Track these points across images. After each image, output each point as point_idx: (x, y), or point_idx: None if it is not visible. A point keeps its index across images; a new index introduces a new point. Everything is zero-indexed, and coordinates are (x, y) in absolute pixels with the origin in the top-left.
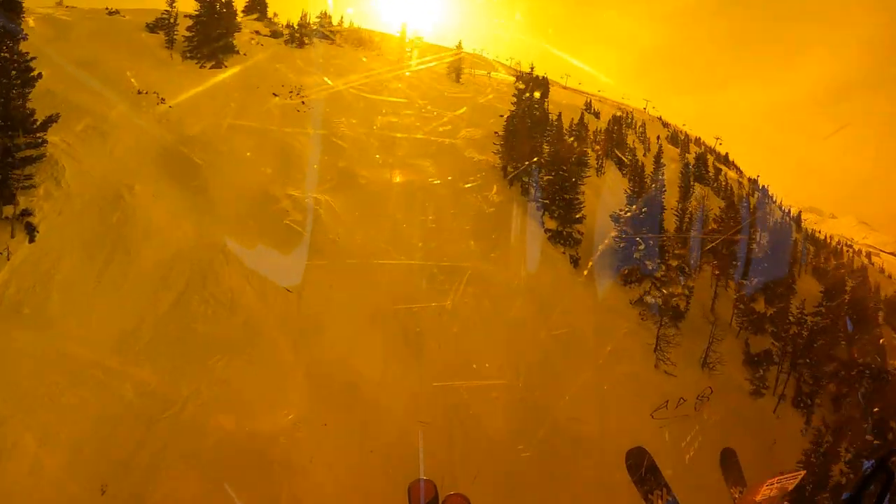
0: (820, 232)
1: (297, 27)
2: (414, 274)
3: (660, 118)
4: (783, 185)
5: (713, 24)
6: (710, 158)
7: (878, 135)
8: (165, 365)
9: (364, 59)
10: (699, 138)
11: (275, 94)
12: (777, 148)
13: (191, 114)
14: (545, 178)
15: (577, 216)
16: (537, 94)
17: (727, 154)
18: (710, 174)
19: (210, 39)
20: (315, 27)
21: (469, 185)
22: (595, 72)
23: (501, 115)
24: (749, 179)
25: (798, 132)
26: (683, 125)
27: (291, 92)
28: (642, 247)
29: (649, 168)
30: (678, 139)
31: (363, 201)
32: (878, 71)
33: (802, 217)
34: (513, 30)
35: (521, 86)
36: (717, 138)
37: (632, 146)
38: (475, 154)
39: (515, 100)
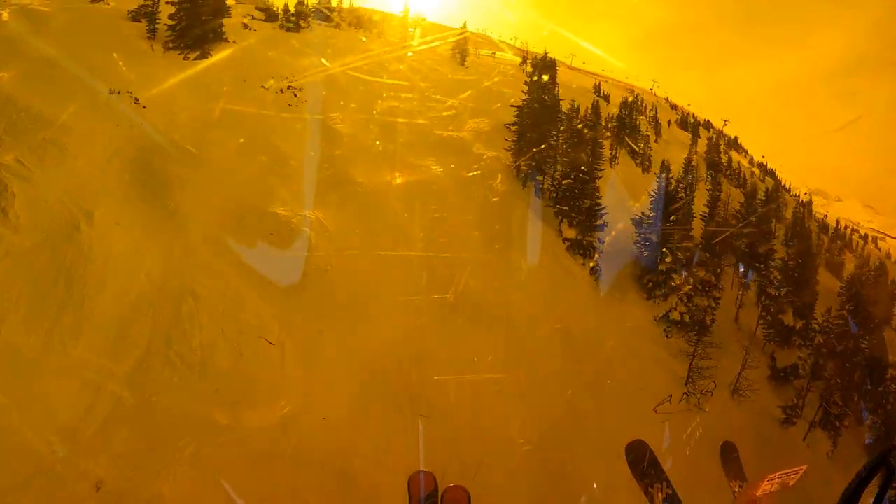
0: (826, 216)
1: (292, 9)
2: (422, 310)
3: (667, 99)
4: (789, 167)
5: (719, 2)
6: (721, 143)
7: (886, 117)
8: (123, 454)
9: (363, 40)
10: (708, 121)
11: (264, 87)
12: (783, 128)
13: (167, 115)
14: (563, 182)
15: (599, 223)
16: (545, 77)
17: (736, 137)
18: (724, 161)
19: (194, 27)
20: (312, 8)
21: (482, 189)
22: (601, 52)
23: (512, 105)
24: (759, 165)
25: (805, 112)
26: (689, 105)
27: (283, 85)
28: (669, 259)
29: (664, 155)
30: (688, 122)
31: (360, 214)
32: (887, 52)
33: (806, 200)
34: (516, 8)
35: (530, 69)
36: (725, 121)
37: (644, 133)
38: (484, 150)
39: (526, 87)
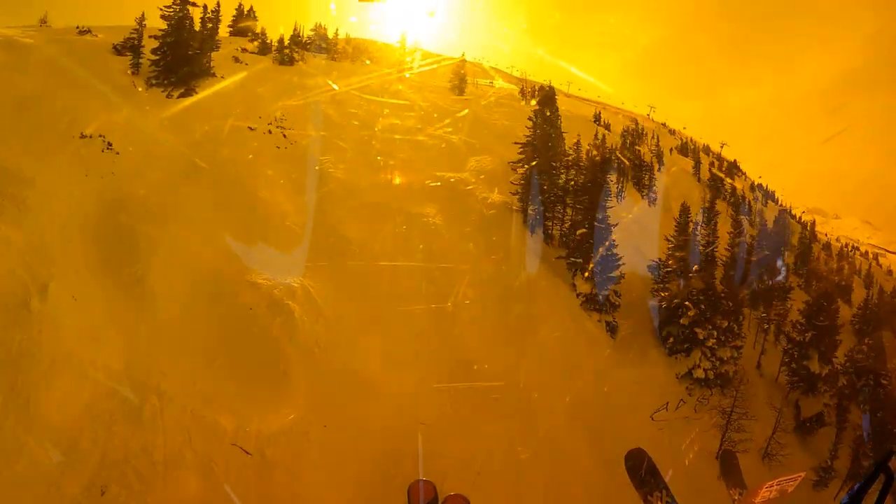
0: (827, 235)
1: (287, 42)
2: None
3: (664, 124)
4: (786, 186)
5: (711, 25)
6: (718, 166)
7: (880, 133)
8: None
9: (360, 71)
10: (707, 146)
11: (250, 128)
12: (778, 148)
13: (142, 162)
14: (578, 232)
15: (616, 274)
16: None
17: (735, 161)
18: (727, 189)
19: (179, 62)
20: (309, 40)
21: (486, 240)
22: (595, 80)
23: (516, 143)
24: (759, 187)
25: (799, 132)
26: (684, 128)
27: (271, 124)
28: (692, 312)
29: (667, 184)
30: (688, 148)
31: (353, 281)
32: (880, 69)
33: (806, 219)
34: (513, 38)
35: (533, 103)
36: (723, 144)
37: (649, 163)
38: (487, 192)
39: (530, 123)
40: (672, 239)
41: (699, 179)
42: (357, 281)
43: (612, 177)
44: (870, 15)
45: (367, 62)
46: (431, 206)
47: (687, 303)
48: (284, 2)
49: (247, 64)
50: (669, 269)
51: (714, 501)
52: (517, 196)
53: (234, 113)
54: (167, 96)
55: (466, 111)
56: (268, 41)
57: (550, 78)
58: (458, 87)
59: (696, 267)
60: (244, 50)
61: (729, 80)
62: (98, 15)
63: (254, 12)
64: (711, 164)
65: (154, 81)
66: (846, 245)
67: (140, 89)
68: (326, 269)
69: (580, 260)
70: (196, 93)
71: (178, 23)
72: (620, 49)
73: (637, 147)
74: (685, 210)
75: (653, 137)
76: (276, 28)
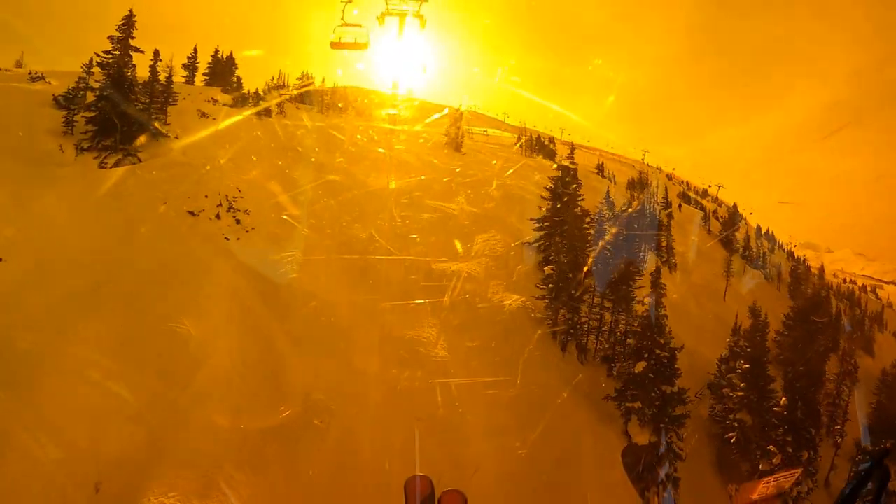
0: (839, 277)
1: (265, 92)
2: None
3: (659, 168)
4: (777, 221)
5: (696, 67)
6: (717, 213)
7: (866, 165)
8: None
9: (343, 138)
10: (705, 190)
11: (192, 213)
12: (767, 186)
13: (27, 276)
14: (637, 367)
15: (679, 413)
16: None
17: (735, 205)
18: (741, 243)
19: (119, 122)
20: (290, 89)
21: (507, 368)
22: (590, 124)
23: (532, 219)
24: (763, 233)
25: (790, 167)
26: (673, 169)
27: (220, 205)
28: (777, 459)
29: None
30: (689, 196)
31: (320, 475)
32: (867, 100)
33: (799, 255)
34: (503, 84)
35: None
36: (719, 186)
37: (666, 222)
38: (502, 292)
39: (549, 194)
40: (740, 349)
41: (709, 231)
42: (323, 475)
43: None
44: (853, 51)
45: (352, 122)
46: (430, 323)
47: (771, 448)
48: (276, 48)
49: (214, 119)
50: (739, 394)
51: None
52: (543, 300)
53: (176, 191)
54: (100, 165)
55: (468, 173)
56: (245, 92)
57: (542, 124)
58: (455, 142)
59: (783, 400)
60: (215, 101)
61: (716, 119)
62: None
63: (233, 59)
64: (714, 212)
65: (86, 145)
66: (844, 280)
67: (68, 155)
68: (278, 461)
69: (636, 404)
70: (137, 160)
71: (117, 73)
72: (609, 92)
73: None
74: (755, 311)
75: (656, 186)
76: (260, 77)
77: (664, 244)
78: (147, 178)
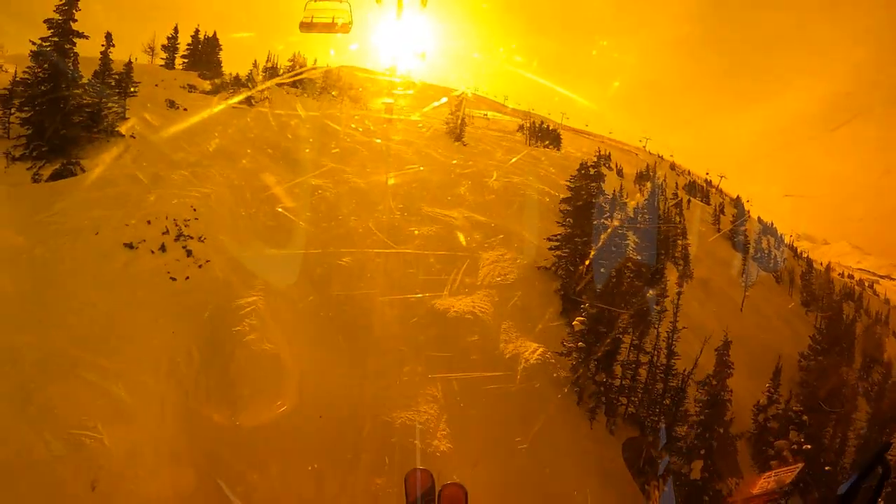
0: (821, 263)
1: (247, 77)
2: None
3: (660, 156)
4: (775, 214)
5: (699, 55)
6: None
7: (866, 158)
8: None
9: (338, 127)
10: (709, 180)
11: (131, 245)
12: (765, 176)
13: None
14: (688, 463)
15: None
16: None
17: (738, 197)
18: (752, 243)
19: (58, 123)
20: (279, 73)
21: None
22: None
23: (549, 239)
24: (767, 227)
25: (789, 159)
26: (671, 155)
27: (167, 233)
28: None
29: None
30: (696, 187)
31: None
32: (868, 95)
33: (796, 246)
34: (504, 65)
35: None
36: (722, 176)
37: (681, 226)
38: (517, 337)
39: (568, 206)
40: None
41: (719, 229)
42: None
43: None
44: (855, 44)
45: (344, 108)
46: (433, 389)
47: None
48: (268, 29)
49: (185, 109)
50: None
51: None
52: (570, 359)
53: (116, 214)
54: (33, 178)
55: (469, 170)
56: (226, 77)
57: (542, 108)
58: (456, 131)
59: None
60: (191, 88)
61: (717, 108)
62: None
63: (216, 40)
64: (721, 206)
65: (20, 153)
66: (841, 274)
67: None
68: None
69: None
70: (80, 169)
71: (52, 67)
72: (610, 78)
73: (658, 201)
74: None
75: (664, 180)
76: (250, 60)
77: (681, 254)
78: (82, 198)
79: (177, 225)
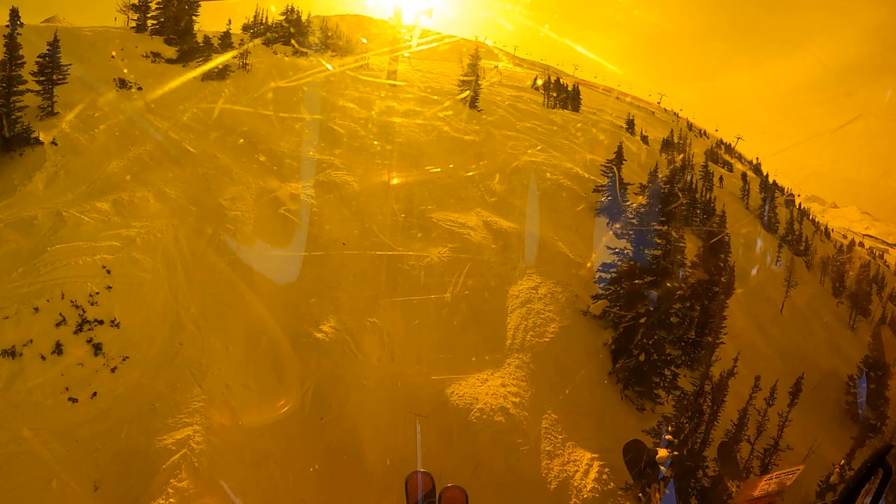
0: (843, 236)
1: (220, 41)
2: None
3: (676, 114)
4: (783, 172)
5: (712, 8)
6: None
7: (880, 123)
8: None
9: (332, 98)
10: (730, 145)
11: (10, 354)
12: (779, 134)
13: None
14: None
15: None
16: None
17: (757, 159)
18: (783, 224)
19: None
20: (270, 30)
21: None
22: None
23: (598, 280)
24: (790, 200)
25: (800, 119)
26: (681, 110)
27: (63, 324)
28: None
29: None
30: (718, 155)
31: None
32: (882, 58)
33: (806, 207)
34: (512, 16)
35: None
36: (739, 137)
37: (718, 210)
38: (564, 442)
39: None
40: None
41: (748, 206)
42: None
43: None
44: (874, 6)
45: (342, 71)
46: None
47: None
48: None
49: (140, 89)
50: None
51: None
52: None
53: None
54: None
55: (485, 147)
56: (198, 41)
57: (552, 58)
58: (470, 95)
59: None
60: (155, 57)
61: (728, 63)
62: None
63: None
64: (744, 176)
65: None
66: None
67: None
68: None
69: None
70: None
71: None
72: (621, 30)
73: (684, 172)
74: None
75: (690, 147)
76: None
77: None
78: None
79: (77, 306)
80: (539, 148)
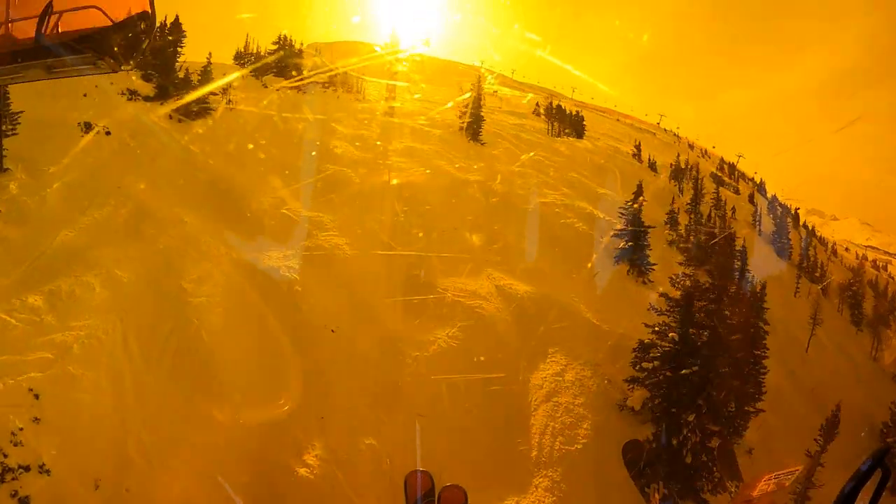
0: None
1: (199, 75)
2: None
3: (676, 135)
4: (784, 187)
5: (705, 26)
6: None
7: (878, 133)
8: None
9: (324, 139)
10: (733, 165)
11: None
12: (776, 148)
13: None
14: None
15: None
16: None
17: (762, 181)
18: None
19: None
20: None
21: None
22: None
23: (639, 359)
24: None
25: (799, 130)
26: (678, 128)
27: None
28: None
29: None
30: (722, 176)
31: None
32: (878, 67)
33: (805, 221)
34: (510, 38)
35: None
36: (740, 155)
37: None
38: None
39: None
40: None
41: (760, 232)
42: None
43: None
44: (866, 14)
45: (329, 107)
46: None
47: None
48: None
49: (108, 133)
50: None
51: None
52: None
53: None
54: None
55: (492, 187)
56: (178, 75)
57: (548, 80)
58: (472, 126)
59: None
60: (132, 95)
61: (724, 80)
62: None
63: (179, 26)
64: (752, 197)
65: None
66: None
67: None
68: None
69: None
70: None
71: None
72: (616, 51)
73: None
74: None
75: (694, 168)
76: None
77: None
78: None
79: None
80: (548, 185)
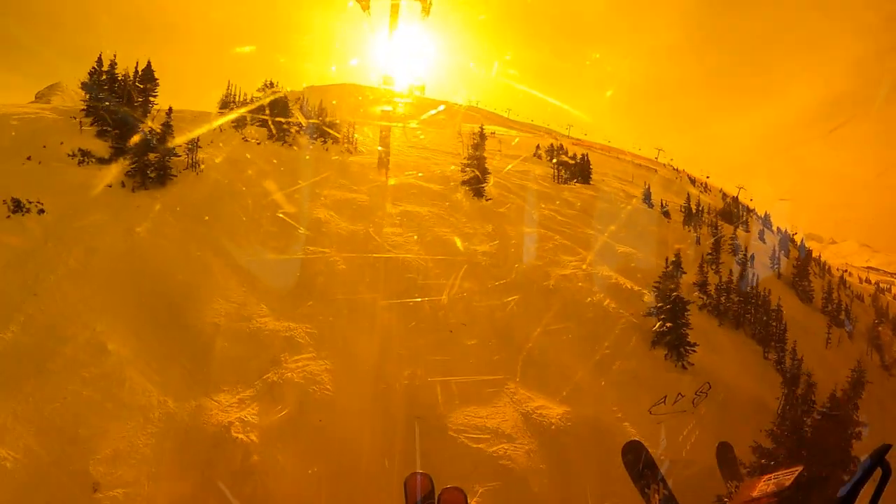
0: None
1: (162, 130)
2: None
3: (676, 168)
4: (780, 213)
5: (695, 59)
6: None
7: (869, 154)
8: None
9: (306, 207)
10: (736, 198)
11: None
12: (769, 177)
13: None
14: None
15: None
16: None
17: (767, 214)
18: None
19: None
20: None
21: None
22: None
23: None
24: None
25: (792, 158)
26: (671, 160)
27: None
28: None
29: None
30: (732, 212)
31: None
32: (867, 90)
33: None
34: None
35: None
36: (741, 187)
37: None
38: None
39: None
40: None
41: (779, 276)
42: None
43: None
44: (853, 41)
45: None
46: None
47: None
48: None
49: (41, 212)
50: None
51: None
52: None
53: None
54: None
55: (507, 267)
56: (143, 132)
57: (542, 119)
58: (475, 184)
59: None
60: (85, 157)
61: (715, 111)
62: None
63: (150, 72)
64: (761, 233)
65: None
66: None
67: None
68: None
69: None
70: None
71: None
72: (607, 84)
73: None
74: None
75: (707, 212)
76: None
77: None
78: None
79: None
80: (565, 248)
